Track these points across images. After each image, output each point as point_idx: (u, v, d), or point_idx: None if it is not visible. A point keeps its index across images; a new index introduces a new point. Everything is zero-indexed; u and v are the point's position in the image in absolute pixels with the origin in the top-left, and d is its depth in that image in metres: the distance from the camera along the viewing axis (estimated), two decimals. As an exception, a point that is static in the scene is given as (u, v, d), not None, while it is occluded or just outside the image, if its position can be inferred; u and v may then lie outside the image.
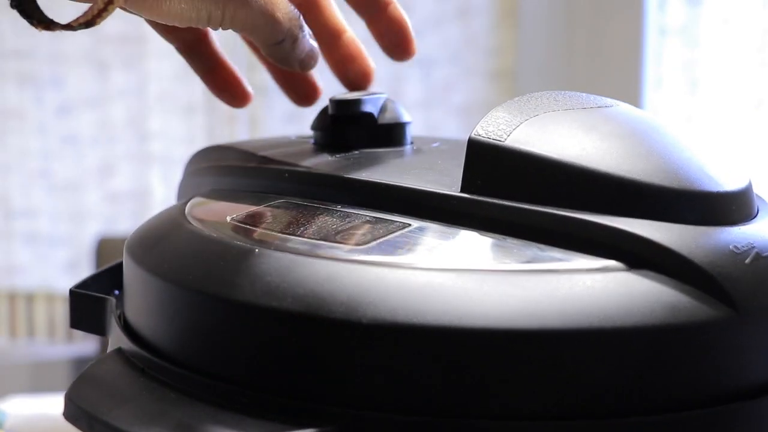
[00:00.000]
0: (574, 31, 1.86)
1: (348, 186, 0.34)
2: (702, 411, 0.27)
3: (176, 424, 0.27)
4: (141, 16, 0.36)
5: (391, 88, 1.85)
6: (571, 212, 0.29)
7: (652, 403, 0.27)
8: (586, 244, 0.29)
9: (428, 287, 0.27)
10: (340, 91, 0.43)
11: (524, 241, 0.30)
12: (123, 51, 1.94)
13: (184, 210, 0.36)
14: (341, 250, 0.29)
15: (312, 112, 0.43)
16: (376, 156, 0.38)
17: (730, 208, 0.31)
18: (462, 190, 0.31)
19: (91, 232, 1.94)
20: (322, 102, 0.42)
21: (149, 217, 0.38)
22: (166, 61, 1.91)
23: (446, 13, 1.89)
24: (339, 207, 0.33)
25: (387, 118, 0.40)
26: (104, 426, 0.28)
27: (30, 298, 2.03)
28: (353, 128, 0.40)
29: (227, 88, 0.44)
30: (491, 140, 0.31)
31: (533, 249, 0.29)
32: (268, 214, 0.34)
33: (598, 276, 0.28)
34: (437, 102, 1.90)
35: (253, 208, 0.35)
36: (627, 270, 0.28)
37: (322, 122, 0.40)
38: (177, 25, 0.35)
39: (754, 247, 0.29)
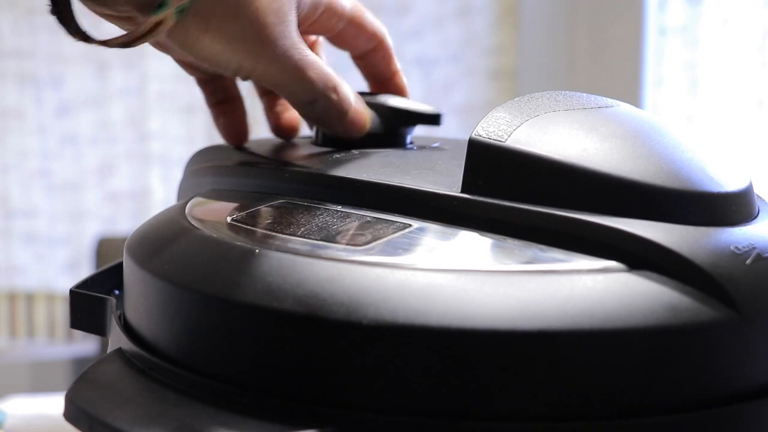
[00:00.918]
0: (575, 30, 1.86)
1: (348, 186, 0.34)
2: (703, 412, 0.27)
3: (176, 425, 0.27)
4: (172, 53, 0.36)
5: (391, 88, 1.85)
6: (572, 213, 0.29)
7: (654, 404, 0.27)
8: (587, 245, 0.29)
9: (429, 288, 0.27)
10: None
11: (525, 241, 0.30)
12: (123, 51, 1.93)
13: (185, 210, 0.36)
14: (342, 250, 0.29)
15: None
16: (376, 156, 0.38)
17: (731, 208, 0.31)
18: (462, 191, 0.31)
19: (90, 232, 1.94)
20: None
21: (149, 217, 0.38)
22: (166, 61, 1.90)
23: (446, 13, 1.88)
24: (339, 207, 0.33)
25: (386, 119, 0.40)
26: (104, 427, 0.28)
27: (30, 298, 2.03)
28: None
29: (229, 125, 0.44)
30: (492, 140, 0.31)
31: (534, 249, 0.29)
32: (268, 214, 0.34)
33: (599, 277, 0.28)
34: (437, 102, 1.90)
35: (253, 208, 0.35)
36: (628, 271, 0.28)
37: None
38: (206, 67, 0.36)
39: (755, 248, 0.29)
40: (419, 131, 0.43)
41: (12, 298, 2.03)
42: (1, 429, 0.62)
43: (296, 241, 0.31)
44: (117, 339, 0.33)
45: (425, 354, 0.26)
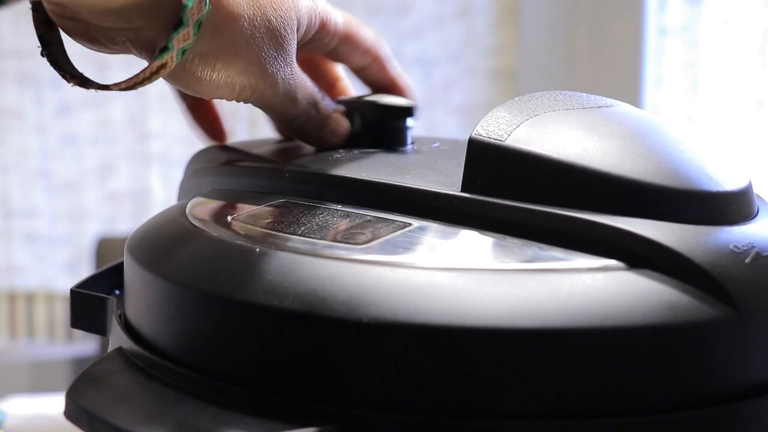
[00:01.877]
0: (575, 30, 1.86)
1: (349, 186, 0.34)
2: (703, 410, 0.27)
3: (177, 424, 0.27)
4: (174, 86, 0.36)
5: (391, 88, 1.84)
6: (572, 212, 0.29)
7: (653, 402, 0.27)
8: (587, 244, 0.29)
9: (429, 286, 0.27)
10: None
11: (525, 240, 0.30)
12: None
13: (185, 210, 0.36)
14: (342, 249, 0.29)
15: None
16: (376, 156, 0.38)
17: (731, 207, 0.31)
18: (462, 190, 0.31)
19: (90, 232, 1.94)
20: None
21: (149, 217, 0.38)
22: (166, 60, 1.90)
23: (446, 13, 1.88)
24: (340, 207, 0.33)
25: (387, 119, 0.40)
26: (105, 425, 0.28)
27: (30, 298, 2.03)
28: (354, 128, 0.40)
29: (207, 125, 0.45)
30: (492, 140, 0.31)
31: (534, 248, 0.29)
32: (269, 213, 0.34)
33: (599, 275, 0.28)
34: (437, 102, 1.90)
35: (253, 208, 0.35)
36: (627, 269, 0.28)
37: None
38: (205, 98, 0.36)
39: (754, 247, 0.29)
40: (419, 131, 0.43)
41: (12, 298, 2.03)
42: (1, 429, 0.63)
43: (296, 240, 0.31)
44: (117, 338, 0.33)
45: (425, 352, 0.26)
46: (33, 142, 1.97)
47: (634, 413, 0.27)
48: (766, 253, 0.29)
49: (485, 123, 0.32)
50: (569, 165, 0.30)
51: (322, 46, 0.40)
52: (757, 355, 0.28)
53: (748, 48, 1.69)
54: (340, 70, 0.44)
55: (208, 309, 0.29)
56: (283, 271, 0.28)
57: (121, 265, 0.37)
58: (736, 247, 0.29)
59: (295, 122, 0.39)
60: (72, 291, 0.38)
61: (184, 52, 0.33)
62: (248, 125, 1.98)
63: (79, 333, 1.87)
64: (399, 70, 0.43)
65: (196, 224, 0.33)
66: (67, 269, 1.99)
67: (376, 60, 0.41)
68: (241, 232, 0.32)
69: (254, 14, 0.34)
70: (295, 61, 0.36)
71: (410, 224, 0.31)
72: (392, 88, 0.42)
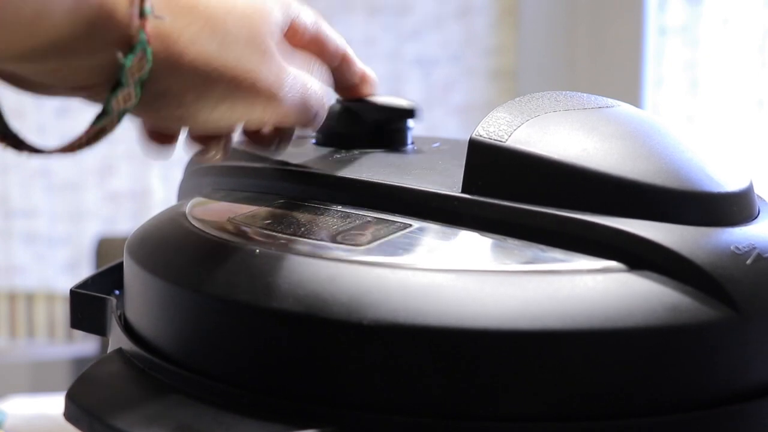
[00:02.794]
0: (575, 30, 1.86)
1: (349, 186, 0.34)
2: (704, 412, 0.27)
3: (177, 425, 0.27)
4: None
5: (391, 88, 1.85)
6: (572, 213, 0.29)
7: (654, 404, 0.27)
8: (587, 245, 0.29)
9: (429, 288, 0.27)
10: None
11: (525, 241, 0.30)
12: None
13: (185, 210, 0.36)
14: (342, 250, 0.29)
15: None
16: (376, 156, 0.38)
17: (731, 208, 0.31)
18: (463, 191, 0.31)
19: (90, 232, 1.93)
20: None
21: (149, 217, 0.38)
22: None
23: (446, 13, 1.88)
24: (339, 207, 0.33)
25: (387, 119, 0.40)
26: (104, 426, 0.28)
27: (30, 298, 2.02)
28: (355, 129, 0.40)
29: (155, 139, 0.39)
30: (492, 141, 0.31)
31: (534, 250, 0.29)
32: (269, 214, 0.34)
33: (600, 277, 0.28)
34: (437, 102, 1.90)
35: (253, 209, 0.35)
36: (628, 271, 0.28)
37: (324, 123, 0.40)
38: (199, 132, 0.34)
39: (755, 248, 0.29)
40: (419, 131, 0.43)
41: (12, 298, 2.03)
42: (1, 429, 0.62)
43: (296, 241, 0.30)
44: (117, 339, 0.33)
45: (426, 354, 0.26)
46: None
47: (635, 415, 0.27)
48: (767, 255, 0.29)
49: (486, 124, 0.32)
50: (570, 166, 0.30)
51: (292, 45, 0.36)
52: (757, 356, 0.28)
53: (748, 48, 1.68)
54: (361, 69, 0.40)
55: (208, 310, 0.29)
56: (283, 273, 0.28)
57: (120, 266, 0.37)
58: (737, 248, 0.29)
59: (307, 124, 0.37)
60: (72, 291, 0.38)
61: (125, 113, 0.29)
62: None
63: (79, 333, 1.86)
64: (363, 66, 0.40)
65: (196, 225, 0.33)
66: (67, 269, 1.99)
67: (345, 60, 0.38)
68: (241, 232, 0.32)
69: (215, 36, 0.30)
70: (283, 57, 0.33)
71: (410, 225, 0.31)
72: (361, 84, 0.40)
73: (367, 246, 0.29)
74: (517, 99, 0.34)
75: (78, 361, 1.80)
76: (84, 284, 0.38)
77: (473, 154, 0.31)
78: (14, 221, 1.98)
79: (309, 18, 0.36)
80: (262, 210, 0.35)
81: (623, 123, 0.34)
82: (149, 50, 0.28)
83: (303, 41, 0.36)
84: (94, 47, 0.28)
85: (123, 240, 0.37)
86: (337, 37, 0.38)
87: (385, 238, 0.30)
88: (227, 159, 0.37)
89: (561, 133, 0.32)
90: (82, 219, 1.99)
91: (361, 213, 0.32)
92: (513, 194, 0.30)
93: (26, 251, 1.99)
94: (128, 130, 0.37)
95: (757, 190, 0.35)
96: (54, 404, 0.66)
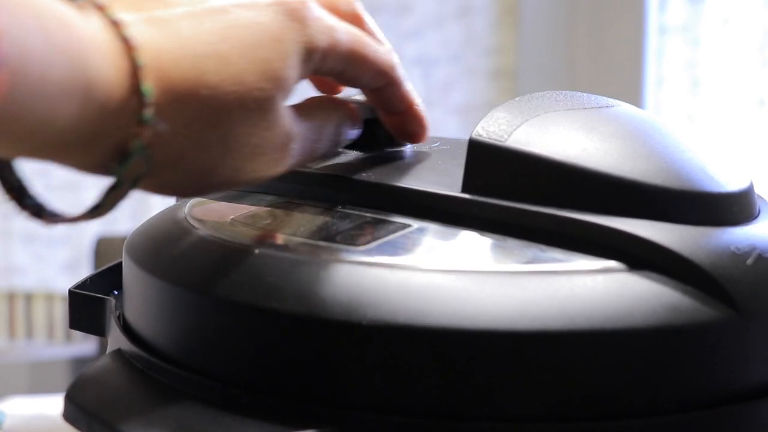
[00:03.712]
0: (575, 30, 1.86)
1: (348, 186, 0.34)
2: (704, 412, 0.27)
3: (176, 426, 0.27)
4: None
5: (391, 88, 1.84)
6: (572, 213, 0.29)
7: (653, 404, 0.27)
8: (587, 245, 0.29)
9: (429, 288, 0.27)
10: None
11: (525, 241, 0.30)
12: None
13: (184, 210, 0.36)
14: (342, 250, 0.29)
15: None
16: (376, 156, 0.37)
17: (732, 208, 0.31)
18: (463, 191, 0.31)
19: (89, 232, 1.93)
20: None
21: (149, 217, 0.38)
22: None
23: (446, 13, 1.88)
24: (339, 207, 0.33)
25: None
26: (104, 427, 0.28)
27: (29, 298, 2.02)
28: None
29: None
30: (492, 141, 0.31)
31: (534, 250, 0.29)
32: (268, 214, 0.34)
33: (599, 277, 0.28)
34: (437, 102, 1.90)
35: (253, 208, 0.35)
36: (628, 271, 0.28)
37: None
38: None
39: (755, 248, 0.29)
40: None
41: (11, 298, 2.03)
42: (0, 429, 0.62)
43: (296, 242, 0.30)
44: (116, 339, 0.33)
45: (425, 354, 0.26)
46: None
47: (635, 415, 0.27)
48: (767, 255, 0.29)
49: (485, 124, 0.32)
50: (570, 166, 0.30)
51: (330, 70, 0.33)
52: (758, 356, 0.28)
53: (749, 47, 1.68)
54: (412, 97, 0.37)
55: (207, 310, 0.29)
56: (282, 273, 0.28)
57: (119, 266, 0.37)
58: (737, 248, 0.29)
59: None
60: (70, 291, 0.38)
61: (138, 179, 0.29)
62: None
63: (77, 333, 1.86)
64: (414, 95, 0.37)
65: (195, 225, 0.33)
66: (66, 269, 1.99)
67: (392, 82, 0.35)
68: (241, 233, 0.32)
69: (219, 133, 0.28)
70: (284, 115, 0.30)
71: (410, 225, 0.31)
72: (407, 116, 0.36)
73: (367, 246, 0.29)
74: (517, 99, 0.34)
75: (77, 362, 1.80)
76: (83, 284, 0.38)
77: (473, 154, 0.31)
78: (13, 221, 1.98)
79: (345, 38, 0.32)
80: (262, 210, 0.34)
81: (623, 123, 0.34)
82: (145, 155, 0.28)
83: (340, 64, 0.32)
84: (93, 152, 0.28)
85: (122, 240, 0.36)
86: (381, 58, 0.34)
87: (385, 238, 0.30)
88: None
89: (561, 133, 0.31)
90: (81, 219, 1.98)
91: (361, 213, 0.32)
92: (513, 194, 0.30)
93: (25, 251, 1.99)
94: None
95: (758, 190, 0.35)
96: (53, 405, 0.66)
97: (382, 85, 0.35)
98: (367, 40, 0.33)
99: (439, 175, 0.34)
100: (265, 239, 0.31)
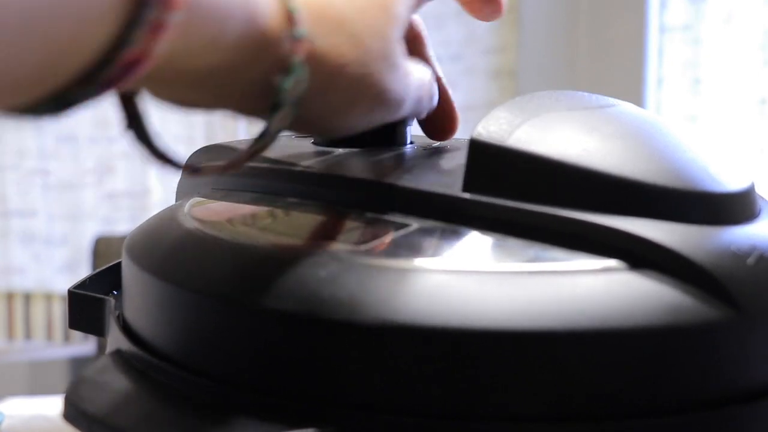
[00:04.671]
0: (576, 29, 1.86)
1: (349, 186, 0.34)
2: (705, 413, 0.27)
3: (176, 427, 0.27)
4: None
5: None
6: (573, 212, 0.29)
7: (655, 404, 0.27)
8: (588, 245, 0.29)
9: (430, 288, 0.27)
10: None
11: (526, 241, 0.30)
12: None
13: (184, 210, 0.36)
14: (342, 251, 0.29)
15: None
16: (377, 156, 0.37)
17: (733, 208, 0.31)
18: (464, 190, 0.31)
19: (89, 232, 1.93)
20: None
21: (148, 217, 0.38)
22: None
23: (447, 12, 1.88)
24: (339, 207, 0.33)
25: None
26: (103, 427, 0.28)
27: (27, 299, 2.03)
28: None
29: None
30: (493, 140, 0.31)
31: (535, 249, 0.29)
32: (268, 214, 0.34)
33: (601, 276, 0.28)
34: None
35: (253, 208, 0.35)
36: (629, 270, 0.28)
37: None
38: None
39: (756, 248, 0.29)
40: (419, 130, 0.43)
41: (10, 298, 2.03)
42: (-1, 429, 0.62)
43: (296, 242, 0.30)
44: (116, 340, 0.33)
45: (426, 354, 0.26)
46: (30, 141, 1.97)
47: (636, 416, 0.27)
48: (768, 254, 0.29)
49: (486, 123, 0.32)
50: (571, 165, 0.30)
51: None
52: (759, 357, 0.28)
53: (750, 46, 1.69)
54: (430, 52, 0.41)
55: (207, 311, 0.29)
56: (282, 273, 0.28)
57: (119, 266, 0.37)
58: (738, 248, 0.29)
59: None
60: (70, 291, 0.38)
61: (281, 130, 0.31)
62: (248, 124, 1.98)
63: (77, 334, 1.87)
64: (432, 55, 0.40)
65: (195, 225, 0.33)
66: (65, 269, 1.99)
67: (416, 38, 0.39)
68: (240, 232, 0.32)
69: (358, 52, 0.31)
70: (406, 62, 0.34)
71: (410, 225, 0.31)
72: (443, 108, 0.40)
73: (368, 246, 0.29)
74: (518, 98, 0.34)
75: (76, 362, 1.80)
76: (82, 284, 0.38)
77: (474, 153, 0.31)
78: (12, 221, 1.98)
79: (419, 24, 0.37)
80: (261, 210, 0.34)
81: (624, 122, 0.34)
82: (305, 72, 0.30)
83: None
84: (253, 71, 0.29)
85: (121, 240, 0.36)
86: (436, 63, 0.39)
87: (386, 238, 0.30)
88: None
89: (562, 132, 0.31)
90: (80, 219, 1.99)
91: (361, 213, 0.32)
92: (514, 194, 0.30)
93: (24, 251, 1.99)
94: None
95: (759, 190, 0.35)
96: (52, 405, 0.66)
97: (410, 39, 0.37)
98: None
99: (439, 174, 0.34)
100: (265, 239, 0.31)
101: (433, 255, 0.29)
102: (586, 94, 0.35)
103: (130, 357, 0.32)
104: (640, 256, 0.28)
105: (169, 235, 0.33)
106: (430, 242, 0.30)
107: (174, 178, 0.41)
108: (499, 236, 0.30)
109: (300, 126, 0.33)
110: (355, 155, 0.37)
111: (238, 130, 1.97)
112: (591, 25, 1.86)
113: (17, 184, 1.98)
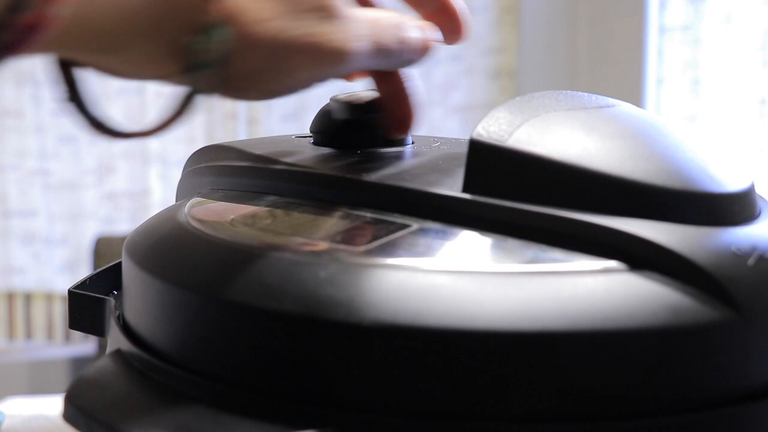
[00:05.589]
0: (576, 29, 1.86)
1: (348, 186, 0.34)
2: (705, 413, 0.27)
3: (176, 427, 0.27)
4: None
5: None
6: (573, 213, 0.29)
7: (655, 405, 0.27)
8: (588, 245, 0.29)
9: (429, 289, 0.27)
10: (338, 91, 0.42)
11: (526, 242, 0.30)
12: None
13: (184, 210, 0.36)
14: (342, 251, 0.29)
15: (312, 111, 0.42)
16: (376, 156, 0.37)
17: (733, 208, 0.31)
18: (463, 191, 0.31)
19: (89, 232, 1.93)
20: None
21: (148, 217, 0.38)
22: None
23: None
24: (339, 208, 0.33)
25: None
26: (103, 427, 0.28)
27: (28, 299, 2.02)
28: (354, 128, 0.40)
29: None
30: (493, 141, 0.31)
31: (535, 250, 0.29)
32: (268, 214, 0.34)
33: (600, 277, 0.27)
34: (437, 101, 1.90)
35: (253, 208, 0.35)
36: (629, 271, 0.28)
37: (323, 122, 0.40)
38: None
39: (756, 249, 0.29)
40: (419, 131, 0.43)
41: (10, 298, 2.03)
42: (-1, 429, 0.62)
43: (296, 242, 0.30)
44: (116, 340, 0.33)
45: (425, 355, 0.26)
46: (31, 141, 1.97)
47: (637, 416, 0.26)
48: (768, 255, 0.29)
49: (486, 123, 0.32)
50: (571, 166, 0.30)
51: None
52: (759, 357, 0.28)
53: (750, 47, 1.69)
54: None
55: (207, 311, 0.29)
56: (282, 273, 0.28)
57: (119, 266, 0.37)
58: (738, 248, 0.29)
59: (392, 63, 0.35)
60: (70, 292, 0.38)
61: (201, 93, 0.30)
62: (247, 125, 1.98)
63: (77, 333, 1.87)
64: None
65: (195, 225, 0.33)
66: (65, 269, 1.99)
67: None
68: (240, 233, 0.32)
69: (281, 7, 0.30)
70: (349, 10, 0.32)
71: (410, 225, 0.31)
72: (443, 12, 0.38)
73: (367, 246, 0.29)
74: (518, 98, 0.34)
75: (76, 362, 1.80)
76: (82, 284, 0.38)
77: (473, 153, 0.31)
78: (12, 221, 1.98)
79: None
80: (261, 210, 0.34)
81: (624, 123, 0.34)
82: (225, 32, 0.28)
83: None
84: (164, 31, 0.28)
85: (122, 240, 0.36)
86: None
87: (385, 239, 0.30)
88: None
89: (562, 132, 0.31)
90: (80, 219, 1.99)
91: (361, 213, 0.32)
92: (513, 194, 0.30)
93: (24, 251, 1.99)
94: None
95: (759, 190, 0.35)
96: (52, 405, 0.66)
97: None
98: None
99: (439, 175, 0.34)
100: (264, 239, 0.31)
101: (433, 256, 0.29)
102: (585, 94, 0.35)
103: (130, 357, 0.32)
104: (640, 256, 0.28)
105: (169, 235, 0.33)
106: (430, 243, 0.30)
107: (174, 178, 0.41)
108: (498, 237, 0.30)
109: (233, 89, 0.31)
110: (354, 156, 0.37)
111: (238, 130, 1.97)
112: (591, 25, 1.86)
113: (18, 184, 1.98)
